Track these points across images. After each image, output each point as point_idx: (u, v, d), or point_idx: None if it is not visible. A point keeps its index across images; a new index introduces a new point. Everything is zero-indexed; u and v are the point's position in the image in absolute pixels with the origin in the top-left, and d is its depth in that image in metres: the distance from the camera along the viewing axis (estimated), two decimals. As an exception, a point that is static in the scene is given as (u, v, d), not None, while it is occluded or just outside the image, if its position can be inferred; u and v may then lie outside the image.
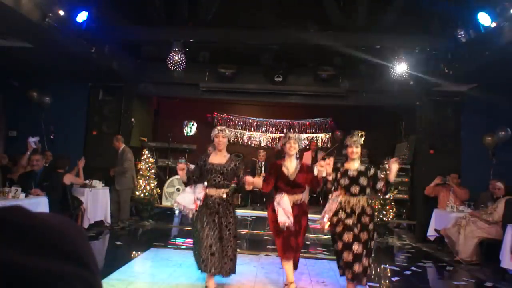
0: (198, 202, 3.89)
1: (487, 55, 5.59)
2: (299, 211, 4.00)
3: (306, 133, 11.16)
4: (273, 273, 4.86)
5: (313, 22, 7.34)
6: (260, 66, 8.37)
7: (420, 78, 7.72)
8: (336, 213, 3.85)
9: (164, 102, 10.98)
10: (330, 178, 3.91)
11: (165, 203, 8.67)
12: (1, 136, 8.34)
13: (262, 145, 11.08)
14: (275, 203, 3.96)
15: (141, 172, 8.01)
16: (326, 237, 7.02)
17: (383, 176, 4.04)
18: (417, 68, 7.36)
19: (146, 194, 7.92)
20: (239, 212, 8.78)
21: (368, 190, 3.93)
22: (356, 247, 3.67)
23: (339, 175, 3.93)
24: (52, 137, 8.08)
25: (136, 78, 8.30)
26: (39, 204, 5.36)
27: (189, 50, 7.12)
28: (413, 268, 5.55)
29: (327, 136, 11.08)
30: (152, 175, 8.07)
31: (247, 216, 8.51)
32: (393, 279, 5.04)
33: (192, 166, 4.23)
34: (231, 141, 11.03)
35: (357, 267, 3.65)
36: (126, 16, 7.10)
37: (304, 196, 4.18)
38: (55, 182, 6.07)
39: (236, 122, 11.32)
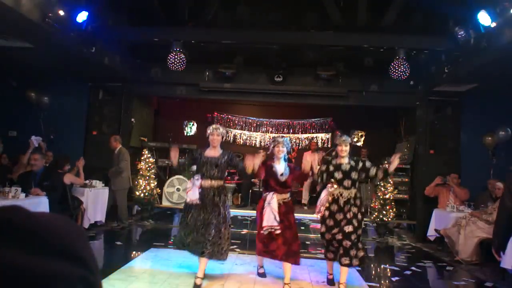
0: (200, 190, 4.27)
1: (487, 55, 5.59)
2: (286, 208, 4.35)
3: (306, 133, 11.16)
4: (273, 273, 4.86)
5: (313, 22, 7.34)
6: (260, 66, 8.37)
7: (420, 78, 7.73)
8: (328, 207, 4.31)
9: (164, 102, 10.98)
10: (316, 169, 4.38)
11: (165, 203, 8.68)
12: None
13: (262, 145, 11.08)
14: (266, 203, 4.29)
15: (141, 172, 8.01)
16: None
17: (378, 169, 4.41)
18: (417, 68, 7.36)
19: (146, 194, 7.92)
20: (239, 212, 8.80)
21: (357, 184, 4.40)
22: (340, 237, 4.21)
23: (331, 168, 4.37)
24: (52, 137, 8.07)
25: (136, 78, 8.29)
26: (39, 204, 5.35)
27: (189, 50, 7.11)
28: (413, 268, 5.55)
29: (327, 136, 11.08)
30: (152, 175, 8.06)
31: (247, 216, 8.51)
32: (393, 279, 5.04)
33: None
34: (231, 141, 11.04)
35: (341, 251, 4.20)
36: (126, 16, 7.10)
37: (289, 196, 4.52)
38: (55, 182, 6.07)
39: (236, 122, 11.32)
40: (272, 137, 5.06)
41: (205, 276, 4.46)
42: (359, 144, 10.63)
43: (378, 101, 8.43)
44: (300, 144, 11.12)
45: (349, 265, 4.24)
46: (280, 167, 4.37)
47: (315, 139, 10.97)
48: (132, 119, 8.71)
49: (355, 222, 4.22)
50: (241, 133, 11.28)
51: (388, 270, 5.51)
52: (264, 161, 4.45)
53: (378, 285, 4.79)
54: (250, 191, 9.54)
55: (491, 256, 5.37)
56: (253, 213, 8.70)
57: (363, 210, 4.41)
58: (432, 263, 5.94)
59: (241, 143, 11.20)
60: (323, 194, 4.39)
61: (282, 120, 11.27)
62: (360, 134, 10.71)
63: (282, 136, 4.77)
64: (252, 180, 9.19)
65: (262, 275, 4.74)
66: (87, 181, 6.86)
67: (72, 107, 8.45)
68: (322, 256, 5.73)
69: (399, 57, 6.65)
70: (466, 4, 5.78)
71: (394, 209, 7.66)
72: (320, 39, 7.16)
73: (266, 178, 4.37)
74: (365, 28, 6.87)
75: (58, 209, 5.81)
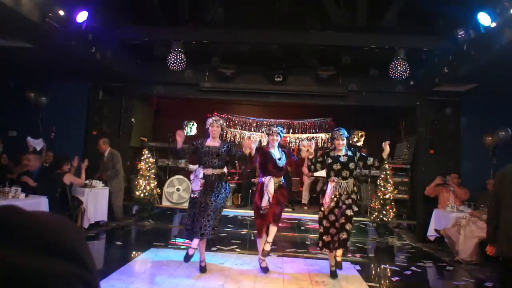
0: (202, 181, 4.60)
1: (487, 55, 5.59)
2: (280, 190, 4.79)
3: (306, 133, 11.16)
4: (273, 273, 4.86)
5: (313, 22, 7.34)
6: (260, 66, 8.36)
7: (420, 78, 7.72)
8: (330, 202, 4.64)
9: (164, 102, 10.97)
10: (310, 156, 4.72)
11: (165, 203, 8.67)
12: None
13: (262, 145, 11.07)
14: (264, 186, 4.70)
15: (141, 172, 8.01)
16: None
17: (374, 158, 4.79)
18: (417, 68, 7.36)
19: (146, 194, 7.92)
20: (239, 212, 8.79)
21: (354, 173, 4.82)
22: (333, 230, 4.61)
23: (330, 160, 4.70)
24: (52, 136, 8.08)
25: (136, 78, 8.29)
26: (39, 204, 5.36)
27: (189, 50, 7.11)
28: (413, 268, 5.55)
29: (327, 136, 11.07)
30: (152, 175, 8.06)
31: (247, 216, 8.50)
32: (393, 279, 5.04)
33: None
34: (231, 141, 11.04)
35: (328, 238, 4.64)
36: (126, 16, 7.09)
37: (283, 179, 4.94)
38: (55, 182, 6.08)
39: (236, 122, 11.32)
40: (267, 127, 5.31)
41: (205, 277, 4.46)
42: (359, 144, 10.62)
43: (378, 101, 8.42)
44: (300, 144, 11.11)
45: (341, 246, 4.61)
46: (276, 152, 4.80)
47: (315, 139, 10.96)
48: (132, 119, 8.70)
49: (348, 212, 4.55)
50: (241, 133, 11.28)
51: (388, 270, 5.51)
52: (259, 147, 4.92)
53: (378, 285, 4.79)
54: (250, 191, 9.53)
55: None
56: (253, 213, 8.70)
57: (357, 203, 4.80)
58: (432, 263, 5.94)
59: (241, 143, 11.18)
60: (329, 189, 4.68)
61: (282, 120, 11.25)
62: (360, 134, 10.70)
63: (277, 125, 5.04)
64: (252, 180, 9.19)
65: (265, 269, 4.82)
66: (87, 181, 6.86)
67: (72, 107, 8.45)
68: (322, 256, 5.74)
69: (399, 57, 6.65)
70: (466, 4, 5.78)
71: (394, 209, 7.65)
72: (320, 39, 7.16)
73: (263, 163, 4.77)
74: (365, 28, 6.87)
75: (58, 209, 5.81)
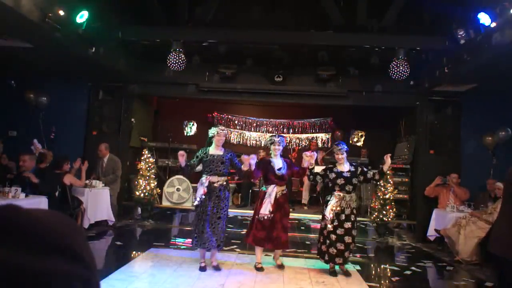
0: (206, 189, 4.73)
1: (487, 55, 5.59)
2: (283, 199, 4.97)
3: (306, 133, 11.16)
4: (273, 273, 4.86)
5: (313, 22, 7.34)
6: (260, 66, 8.36)
7: (420, 78, 7.72)
8: (334, 215, 4.80)
9: (164, 102, 10.97)
10: (311, 167, 4.92)
11: (165, 203, 8.67)
12: None
13: (262, 145, 11.07)
14: (267, 194, 4.85)
15: (141, 172, 8.01)
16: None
17: (375, 171, 4.98)
18: (417, 68, 7.35)
19: (146, 194, 7.92)
20: (239, 212, 8.79)
21: (356, 188, 5.05)
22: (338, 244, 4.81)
23: (333, 175, 4.89)
24: (52, 137, 8.07)
25: (136, 78, 8.29)
26: (39, 204, 5.36)
27: (189, 50, 7.11)
28: (413, 268, 5.55)
29: (327, 136, 11.08)
30: (152, 175, 8.06)
31: (247, 216, 8.50)
32: (393, 279, 5.04)
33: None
34: (232, 141, 11.03)
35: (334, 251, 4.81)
36: (126, 16, 7.09)
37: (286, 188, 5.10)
38: (54, 182, 6.07)
39: (236, 122, 11.32)
40: (269, 136, 5.40)
41: (205, 277, 4.46)
42: (359, 144, 10.62)
43: (378, 101, 8.42)
44: (300, 144, 11.11)
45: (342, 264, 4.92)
46: (278, 162, 4.95)
47: (315, 139, 10.97)
48: (132, 119, 8.70)
49: (351, 225, 4.81)
50: (241, 133, 11.27)
51: (388, 270, 5.51)
52: (262, 158, 5.07)
53: (378, 285, 4.79)
54: (250, 191, 9.53)
55: (491, 256, 5.38)
56: (253, 213, 8.69)
57: (356, 213, 5.00)
58: (432, 263, 5.94)
59: (241, 143, 11.19)
60: (334, 200, 4.83)
61: (282, 120, 11.26)
62: (360, 134, 10.71)
63: (278, 135, 5.15)
64: (252, 180, 9.18)
65: (260, 269, 4.96)
66: (87, 181, 6.86)
67: (72, 107, 8.44)
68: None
69: (399, 57, 6.65)
70: (466, 4, 5.78)
71: (394, 209, 7.65)
72: (320, 39, 7.16)
73: (265, 173, 4.93)
74: (365, 28, 6.87)
75: (58, 209, 5.79)
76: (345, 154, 4.94)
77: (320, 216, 5.18)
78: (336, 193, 4.85)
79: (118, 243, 6.38)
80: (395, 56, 6.69)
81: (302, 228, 8.00)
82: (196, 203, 4.79)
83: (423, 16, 7.04)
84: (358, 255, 6.16)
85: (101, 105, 8.43)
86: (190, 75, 8.15)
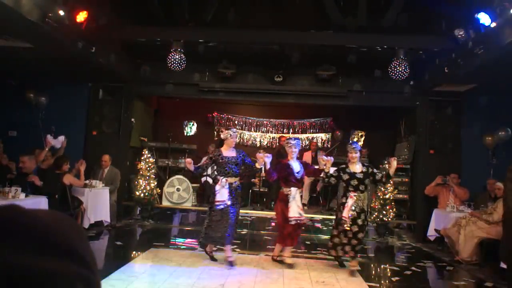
0: (228, 190, 4.94)
1: (487, 55, 5.58)
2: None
3: (306, 133, 11.16)
4: (273, 273, 4.86)
5: (313, 22, 7.33)
6: (260, 66, 8.36)
7: (420, 78, 7.72)
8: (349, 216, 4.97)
9: (164, 102, 10.97)
10: (326, 169, 5.09)
11: (165, 203, 8.67)
12: None
13: (262, 145, 11.07)
14: (291, 197, 5.00)
15: (141, 172, 8.01)
16: (326, 237, 7.02)
17: (383, 173, 5.19)
18: (418, 68, 7.35)
19: (146, 194, 7.92)
20: (239, 212, 8.78)
21: (369, 188, 5.27)
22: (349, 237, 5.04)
23: (347, 177, 5.04)
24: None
25: (136, 78, 8.29)
26: (39, 204, 5.36)
27: (189, 50, 7.11)
28: (413, 268, 5.55)
29: (327, 136, 11.07)
30: (152, 175, 8.06)
31: (247, 216, 8.50)
32: (393, 279, 5.04)
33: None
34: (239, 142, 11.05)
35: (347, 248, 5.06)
36: (126, 16, 7.09)
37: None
38: (54, 182, 6.07)
39: (236, 122, 11.31)
40: (286, 139, 5.67)
41: (205, 277, 4.46)
42: (359, 144, 10.61)
43: (378, 101, 8.42)
44: (300, 144, 11.10)
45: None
46: (295, 165, 5.15)
47: (315, 139, 10.96)
48: (132, 119, 8.70)
49: (360, 222, 5.02)
50: (241, 133, 11.27)
51: (388, 270, 5.51)
52: (278, 162, 5.34)
53: (378, 285, 4.79)
54: (250, 191, 9.53)
55: (491, 256, 5.39)
56: (253, 213, 8.70)
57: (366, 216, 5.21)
58: (432, 263, 5.94)
59: (241, 143, 11.18)
60: (350, 203, 4.98)
61: (282, 120, 11.26)
62: (360, 134, 10.70)
63: (294, 138, 5.35)
64: (252, 180, 9.19)
65: (291, 266, 5.12)
66: (87, 181, 6.86)
67: (72, 107, 8.44)
68: (322, 256, 5.75)
69: (399, 57, 6.65)
70: (466, 4, 5.78)
71: (394, 209, 7.65)
72: (320, 39, 7.15)
73: (285, 176, 5.10)
74: (365, 28, 6.86)
75: (58, 209, 5.80)
76: (358, 154, 5.10)
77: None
78: (352, 193, 5.00)
79: (118, 243, 6.38)
80: (395, 56, 6.69)
81: (302, 228, 7.98)
82: (221, 206, 4.90)
83: (423, 16, 7.03)
84: (358, 255, 6.15)
85: (101, 105, 8.43)
86: (190, 75, 8.15)
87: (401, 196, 8.36)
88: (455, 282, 5.21)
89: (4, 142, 7.44)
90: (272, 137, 11.17)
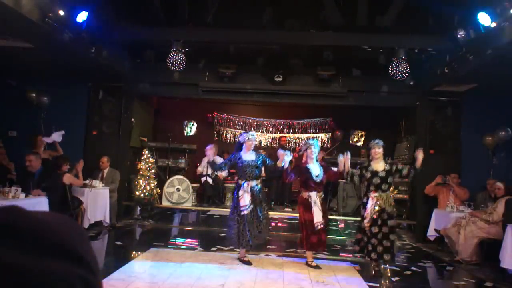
0: (250, 194, 4.99)
1: (487, 55, 5.58)
2: (321, 202, 5.13)
3: (306, 133, 11.15)
4: (273, 273, 4.86)
5: (313, 22, 7.34)
6: (260, 66, 8.36)
7: (420, 78, 7.72)
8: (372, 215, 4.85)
9: (164, 102, 10.97)
10: (346, 169, 4.97)
11: (165, 203, 8.67)
12: None
13: (262, 145, 11.07)
14: (312, 202, 4.98)
15: (141, 172, 8.01)
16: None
17: (408, 167, 5.03)
18: (417, 68, 7.35)
19: (146, 194, 7.92)
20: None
21: (392, 186, 5.16)
22: (374, 241, 4.87)
23: (369, 175, 4.90)
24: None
25: (136, 78, 8.29)
26: (39, 204, 5.36)
27: (189, 50, 7.11)
28: (413, 268, 5.55)
29: (327, 136, 11.07)
30: (152, 175, 8.06)
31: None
32: (393, 279, 5.04)
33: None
34: (231, 141, 11.04)
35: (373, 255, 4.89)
36: (126, 16, 7.09)
37: None
38: (54, 182, 6.07)
39: (236, 122, 11.31)
40: (304, 141, 5.66)
41: (205, 277, 4.46)
42: (359, 144, 10.62)
43: (378, 101, 8.42)
44: (300, 144, 11.10)
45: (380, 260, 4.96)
46: (315, 168, 5.08)
47: (315, 139, 10.96)
48: (132, 119, 8.70)
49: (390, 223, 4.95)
50: (241, 133, 11.26)
51: (388, 270, 5.50)
52: (297, 165, 5.30)
53: (378, 285, 4.79)
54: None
55: (491, 256, 5.38)
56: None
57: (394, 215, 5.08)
58: (432, 263, 5.94)
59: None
60: (370, 203, 4.87)
61: (282, 120, 11.26)
62: (360, 134, 10.70)
63: (313, 138, 5.27)
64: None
65: (317, 267, 5.15)
66: (87, 181, 6.87)
67: (72, 107, 8.44)
68: (322, 256, 5.75)
69: (399, 57, 6.65)
70: (466, 4, 5.78)
71: (394, 209, 7.63)
72: (320, 39, 7.15)
73: (304, 180, 5.08)
74: (365, 28, 6.86)
75: (58, 209, 5.81)
76: (381, 149, 4.95)
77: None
78: (372, 194, 4.88)
79: (118, 243, 6.38)
80: (395, 56, 6.69)
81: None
82: (245, 212, 4.94)
83: (423, 16, 7.03)
84: (358, 255, 6.15)
85: (101, 105, 8.43)
86: (190, 75, 8.15)
87: (401, 196, 8.35)
88: (455, 282, 5.20)
89: (4, 142, 7.43)
90: (272, 137, 11.17)
